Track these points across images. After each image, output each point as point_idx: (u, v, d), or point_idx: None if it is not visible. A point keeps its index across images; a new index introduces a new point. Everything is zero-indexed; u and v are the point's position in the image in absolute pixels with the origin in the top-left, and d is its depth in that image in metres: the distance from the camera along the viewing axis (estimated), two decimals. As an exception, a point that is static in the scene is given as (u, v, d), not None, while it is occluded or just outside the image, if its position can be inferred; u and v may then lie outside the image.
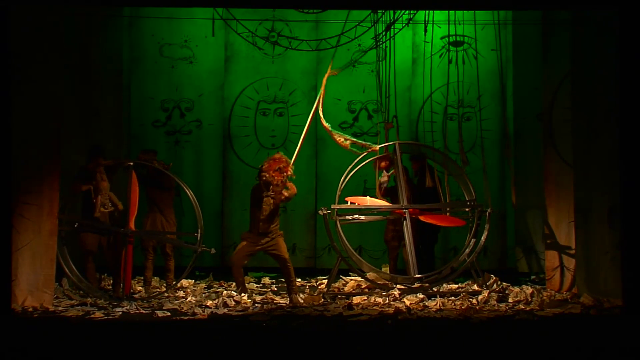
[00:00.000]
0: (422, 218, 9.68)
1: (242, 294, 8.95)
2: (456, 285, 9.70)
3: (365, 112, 11.61)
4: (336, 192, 9.33)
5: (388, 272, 9.90)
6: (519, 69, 11.19)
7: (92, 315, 7.96)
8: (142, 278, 9.65)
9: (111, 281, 9.15)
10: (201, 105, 11.68)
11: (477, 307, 8.41)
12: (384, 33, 10.01)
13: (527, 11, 10.27)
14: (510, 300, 8.81)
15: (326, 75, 9.93)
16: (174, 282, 9.37)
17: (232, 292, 9.12)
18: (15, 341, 6.91)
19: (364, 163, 9.68)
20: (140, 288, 9.55)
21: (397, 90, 10.40)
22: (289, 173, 8.88)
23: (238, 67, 11.70)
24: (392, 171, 9.78)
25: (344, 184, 9.43)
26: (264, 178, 8.82)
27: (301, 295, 8.96)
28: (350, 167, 9.53)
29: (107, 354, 6.68)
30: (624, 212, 7.91)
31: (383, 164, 9.82)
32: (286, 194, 8.88)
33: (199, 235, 9.03)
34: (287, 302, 8.71)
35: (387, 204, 9.79)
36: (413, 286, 9.13)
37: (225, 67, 11.67)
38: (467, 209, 9.68)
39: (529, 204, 10.75)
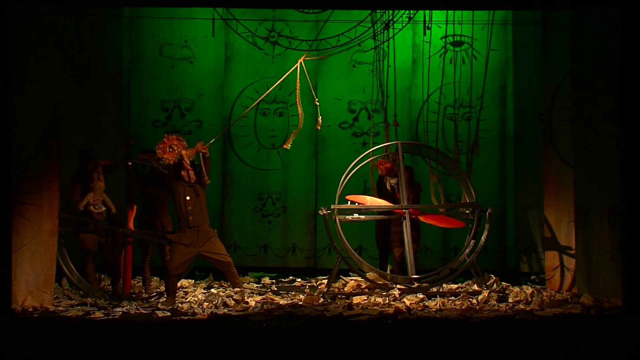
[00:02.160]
0: (422, 218, 9.70)
1: (165, 306, 8.40)
2: (456, 285, 9.70)
3: (365, 112, 11.61)
4: (336, 192, 9.33)
5: (388, 272, 9.90)
6: (519, 69, 11.20)
7: (92, 315, 7.96)
8: (141, 278, 9.66)
9: (110, 280, 9.14)
10: (201, 105, 11.68)
11: (477, 307, 8.41)
12: (383, 32, 10.01)
13: (527, 11, 10.27)
14: (510, 300, 8.81)
15: (300, 59, 9.81)
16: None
17: (231, 292, 9.12)
18: (15, 341, 6.91)
19: (364, 163, 9.69)
20: (140, 288, 9.55)
21: (397, 90, 10.41)
22: (180, 147, 8.46)
23: (238, 67, 11.70)
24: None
25: (344, 184, 9.44)
26: (162, 162, 8.47)
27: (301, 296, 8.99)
28: (350, 167, 9.54)
29: (107, 354, 6.68)
30: (624, 212, 7.91)
31: (384, 170, 9.79)
32: (186, 158, 8.46)
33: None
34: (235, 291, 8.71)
35: (388, 203, 9.79)
36: (413, 286, 9.13)
37: (225, 67, 11.67)
38: (467, 210, 9.68)
39: (529, 204, 10.74)
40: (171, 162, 8.47)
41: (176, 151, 8.46)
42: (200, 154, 8.55)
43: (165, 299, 8.67)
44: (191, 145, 8.68)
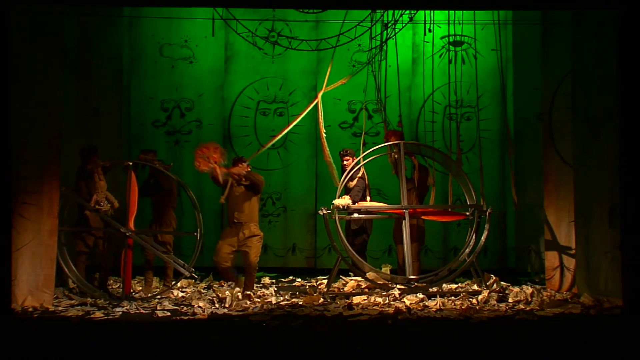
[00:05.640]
0: (423, 217, 9.70)
1: (245, 293, 8.85)
2: (456, 285, 9.70)
3: (365, 112, 11.61)
4: (336, 192, 9.32)
5: (388, 272, 9.91)
6: (519, 69, 11.20)
7: (92, 315, 7.96)
8: (142, 278, 9.67)
9: (99, 277, 9.22)
10: (201, 105, 11.69)
11: (477, 307, 8.40)
12: (382, 32, 10.02)
13: (527, 11, 10.27)
14: (510, 300, 8.80)
15: (321, 91, 9.88)
16: (173, 283, 9.39)
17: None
18: (15, 341, 6.90)
19: (364, 162, 9.69)
20: (140, 288, 9.55)
21: (397, 90, 10.41)
22: (217, 160, 8.84)
23: (238, 67, 11.70)
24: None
25: (343, 184, 9.44)
26: (195, 166, 8.86)
27: (301, 296, 9.01)
28: (350, 166, 9.53)
29: (107, 354, 6.68)
30: (624, 212, 7.91)
31: (393, 138, 9.76)
32: (218, 176, 8.84)
33: (198, 235, 9.05)
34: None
35: (386, 205, 9.80)
36: (412, 286, 9.12)
37: (225, 67, 11.68)
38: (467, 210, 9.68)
39: (529, 204, 10.74)
40: (200, 170, 8.89)
41: (211, 164, 8.81)
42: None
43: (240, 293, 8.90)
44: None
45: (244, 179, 8.97)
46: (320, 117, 9.77)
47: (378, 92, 10.35)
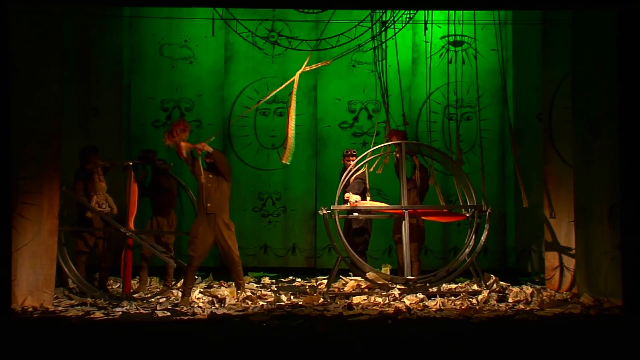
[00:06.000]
0: (424, 217, 9.70)
1: (184, 305, 8.43)
2: (456, 285, 9.70)
3: (365, 112, 11.61)
4: (336, 192, 9.32)
5: (388, 272, 9.91)
6: (519, 69, 11.19)
7: (92, 315, 7.96)
8: (139, 277, 9.68)
9: (99, 278, 9.24)
10: (201, 105, 11.70)
11: (477, 307, 8.40)
12: (382, 32, 10.02)
13: (527, 11, 10.27)
14: (510, 300, 8.80)
15: (300, 71, 9.84)
16: (173, 283, 9.40)
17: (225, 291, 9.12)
18: (15, 341, 6.90)
19: (364, 162, 9.69)
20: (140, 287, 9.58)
21: (398, 90, 10.41)
22: (180, 136, 8.52)
23: (238, 67, 11.71)
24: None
25: (343, 184, 9.44)
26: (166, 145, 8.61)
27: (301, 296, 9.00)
28: (350, 166, 9.53)
29: (107, 354, 6.68)
30: (623, 212, 7.91)
31: (394, 137, 9.74)
32: (183, 149, 8.51)
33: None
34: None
35: (386, 205, 9.79)
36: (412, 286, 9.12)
37: (225, 67, 11.68)
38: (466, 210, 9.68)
39: (529, 203, 10.73)
40: (169, 147, 8.62)
41: (176, 138, 8.54)
42: (202, 152, 8.62)
43: (181, 298, 8.64)
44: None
45: (208, 157, 8.67)
46: (293, 94, 9.62)
47: (382, 92, 10.33)
